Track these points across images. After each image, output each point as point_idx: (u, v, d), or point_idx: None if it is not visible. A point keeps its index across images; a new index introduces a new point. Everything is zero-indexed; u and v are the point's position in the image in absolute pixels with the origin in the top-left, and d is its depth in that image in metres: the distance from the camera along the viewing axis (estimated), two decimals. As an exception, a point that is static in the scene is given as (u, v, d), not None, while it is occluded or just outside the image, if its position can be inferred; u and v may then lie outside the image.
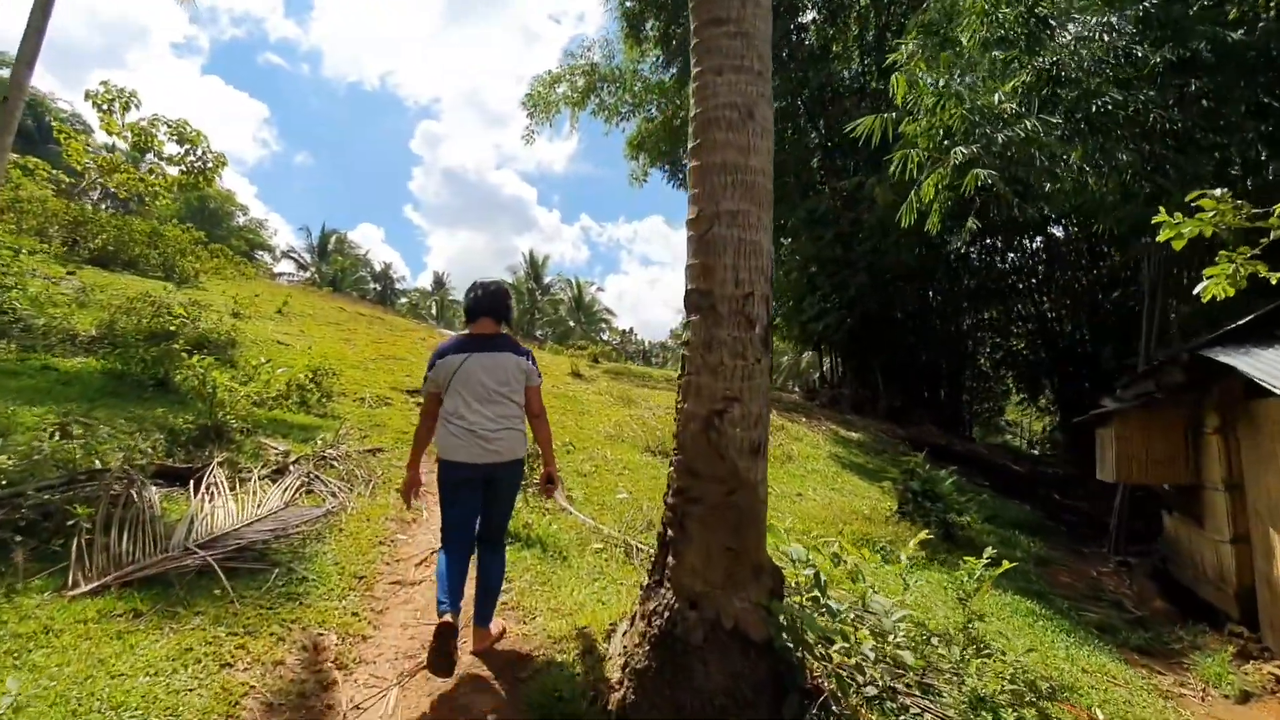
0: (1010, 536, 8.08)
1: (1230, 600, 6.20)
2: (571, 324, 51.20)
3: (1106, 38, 6.99)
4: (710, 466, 2.88)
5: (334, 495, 5.11)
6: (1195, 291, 3.47)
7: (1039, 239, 19.25)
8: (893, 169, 7.81)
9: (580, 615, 3.68)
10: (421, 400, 3.40)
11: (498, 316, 3.18)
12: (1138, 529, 9.13)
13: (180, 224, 17.32)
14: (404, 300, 55.79)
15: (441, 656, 2.73)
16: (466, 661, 3.20)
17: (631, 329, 64.30)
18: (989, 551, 4.05)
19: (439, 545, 3.17)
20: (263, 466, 5.29)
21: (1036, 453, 22.33)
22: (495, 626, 3.33)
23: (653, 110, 22.39)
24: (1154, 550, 8.37)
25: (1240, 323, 5.92)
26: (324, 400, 7.93)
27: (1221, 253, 3.32)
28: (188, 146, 13.47)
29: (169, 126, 13.03)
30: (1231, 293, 3.32)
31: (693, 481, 2.93)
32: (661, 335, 70.88)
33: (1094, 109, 6.79)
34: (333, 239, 54.83)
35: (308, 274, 51.54)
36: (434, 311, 53.08)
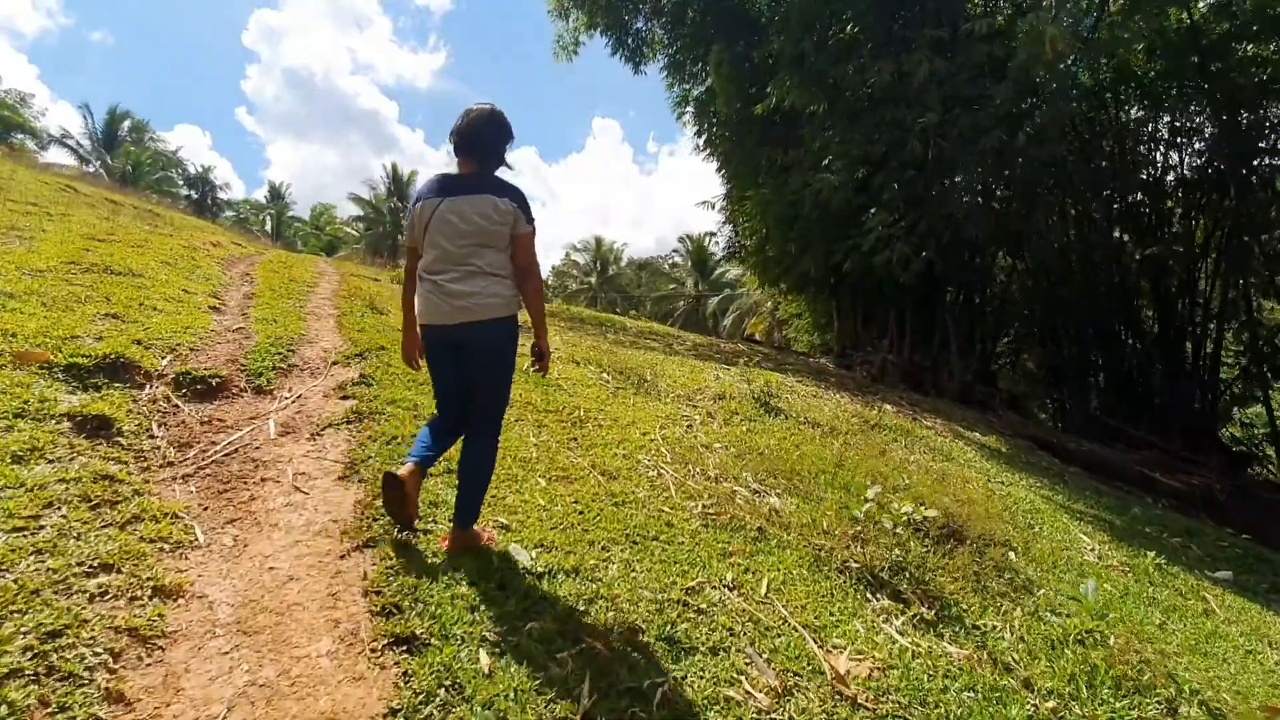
0: None
1: None
2: (445, 254, 42.98)
3: None
4: None
5: None
6: None
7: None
8: None
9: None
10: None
11: (474, 153, 2.46)
12: None
13: None
14: (230, 213, 44.19)
15: (393, 504, 2.38)
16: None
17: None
18: None
19: None
20: None
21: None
22: (483, 532, 2.56)
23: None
24: None
25: None
26: None
27: None
28: None
29: None
30: None
31: None
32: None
33: None
34: (125, 125, 41.89)
35: (90, 167, 38.98)
36: (269, 227, 42.30)
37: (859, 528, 3.09)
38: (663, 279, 48.11)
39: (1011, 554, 3.74)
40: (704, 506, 3.43)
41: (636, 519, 3.11)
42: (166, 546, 2.16)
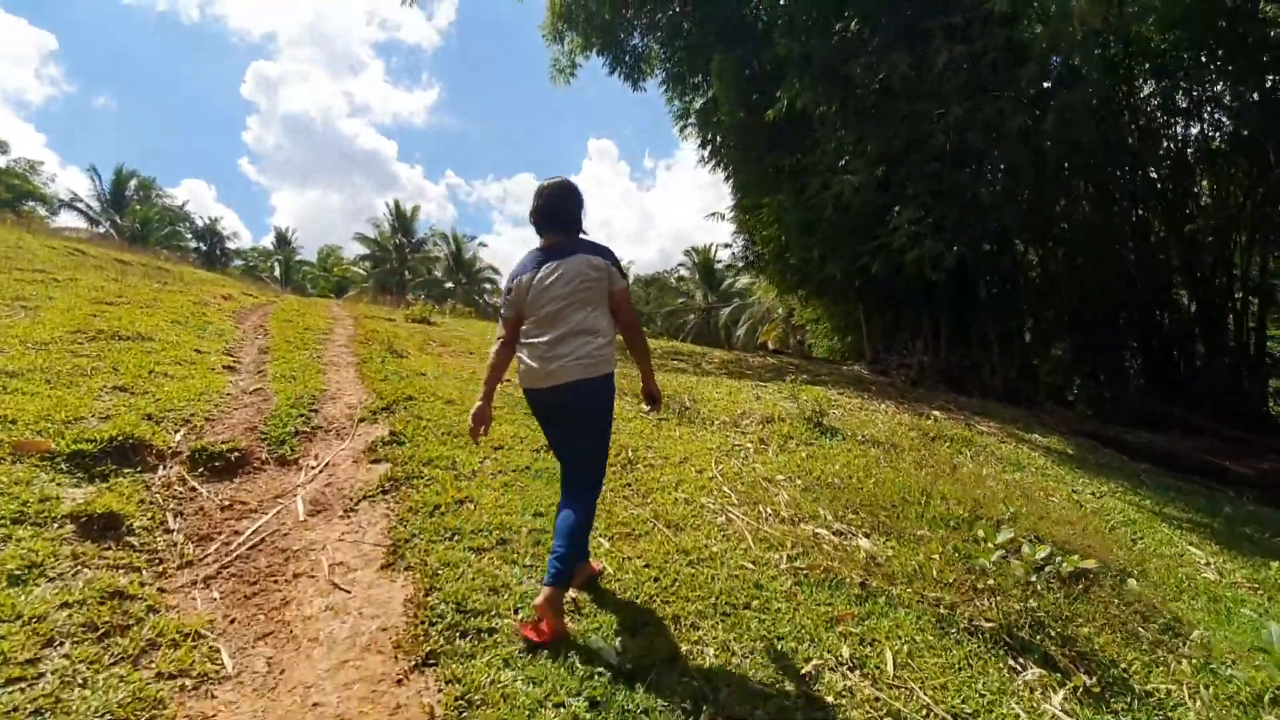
0: None
1: None
2: (449, 285, 42.82)
3: None
4: None
5: None
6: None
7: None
8: None
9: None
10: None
11: (557, 225, 2.55)
12: None
13: None
14: (239, 262, 44.46)
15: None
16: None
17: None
18: None
19: None
20: None
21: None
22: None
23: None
24: None
25: None
26: None
27: None
28: None
29: None
30: None
31: None
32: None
33: None
34: (132, 183, 42.29)
35: (100, 228, 39.35)
36: (278, 273, 42.47)
37: (987, 579, 2.66)
38: (670, 293, 47.76)
39: (1132, 582, 3.30)
40: (789, 558, 3.03)
41: (719, 582, 2.72)
42: (188, 683, 1.80)
